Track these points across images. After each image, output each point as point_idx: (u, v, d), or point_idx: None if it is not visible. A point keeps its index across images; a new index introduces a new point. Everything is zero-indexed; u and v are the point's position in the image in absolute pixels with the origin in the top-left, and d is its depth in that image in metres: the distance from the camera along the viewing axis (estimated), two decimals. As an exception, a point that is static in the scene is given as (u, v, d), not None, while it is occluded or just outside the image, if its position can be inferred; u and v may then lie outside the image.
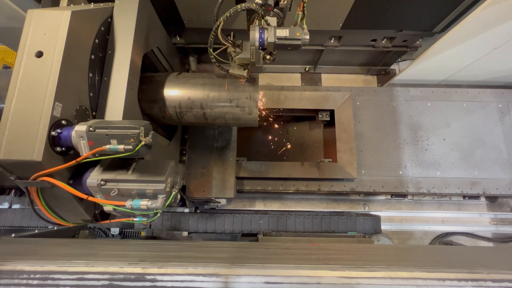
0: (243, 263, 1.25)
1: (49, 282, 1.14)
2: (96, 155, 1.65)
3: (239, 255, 1.82)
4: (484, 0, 2.45)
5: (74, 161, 1.65)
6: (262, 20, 1.94)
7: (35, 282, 1.14)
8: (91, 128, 1.60)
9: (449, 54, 3.25)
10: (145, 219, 1.79)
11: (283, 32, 1.93)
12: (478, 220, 3.76)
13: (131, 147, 1.58)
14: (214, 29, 1.98)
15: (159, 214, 1.78)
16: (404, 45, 3.73)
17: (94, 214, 2.02)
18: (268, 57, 2.18)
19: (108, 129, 1.61)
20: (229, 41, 2.14)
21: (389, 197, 3.79)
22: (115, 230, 3.70)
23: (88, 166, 1.80)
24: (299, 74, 4.49)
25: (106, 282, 1.14)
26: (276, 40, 1.93)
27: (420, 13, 3.09)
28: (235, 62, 2.24)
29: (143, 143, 1.61)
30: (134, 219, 1.79)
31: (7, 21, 2.72)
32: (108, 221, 2.09)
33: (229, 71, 2.32)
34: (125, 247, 2.01)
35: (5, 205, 3.75)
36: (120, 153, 1.59)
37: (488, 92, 3.82)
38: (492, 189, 3.55)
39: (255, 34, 1.92)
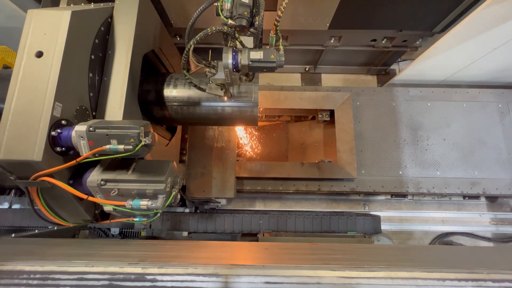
0: (243, 263, 1.25)
1: (49, 282, 1.14)
2: (96, 155, 1.65)
3: (239, 255, 1.82)
4: (484, 0, 2.45)
5: (74, 161, 1.65)
6: (237, 41, 1.89)
7: (35, 282, 1.14)
8: (91, 128, 1.60)
9: (449, 54, 3.25)
10: (145, 219, 1.79)
11: (257, 55, 1.88)
12: (478, 220, 3.76)
13: (131, 147, 1.58)
14: (185, 51, 1.92)
15: (159, 214, 1.77)
16: (404, 45, 3.73)
17: (94, 214, 2.02)
18: (244, 78, 2.14)
19: (108, 129, 1.60)
20: (203, 62, 2.08)
21: (389, 197, 3.79)
22: (115, 230, 3.70)
23: (88, 166, 1.80)
24: (299, 74, 4.50)
25: (106, 282, 1.14)
26: (250, 62, 1.89)
27: (420, 13, 3.09)
28: (211, 82, 2.18)
29: (143, 143, 1.60)
30: (134, 219, 1.79)
31: (7, 21, 2.72)
32: (108, 221, 2.08)
33: (206, 90, 2.26)
34: (125, 247, 2.01)
35: (5, 205, 3.75)
36: (120, 153, 1.59)
37: (488, 92, 3.82)
38: (492, 189, 3.55)
39: (228, 57, 1.88)
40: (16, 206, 3.77)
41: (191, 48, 1.91)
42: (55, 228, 2.85)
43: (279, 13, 1.73)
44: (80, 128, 1.61)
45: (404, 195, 3.76)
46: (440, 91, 3.84)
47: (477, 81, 3.96)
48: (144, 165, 1.80)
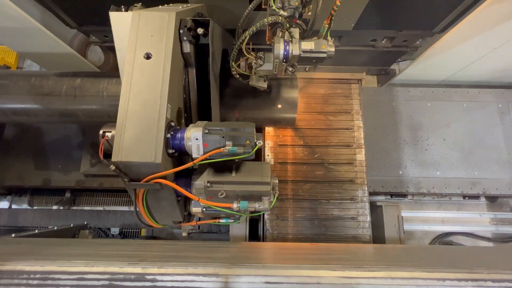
0: (243, 263, 1.25)
1: (49, 282, 1.14)
2: (208, 157, 1.61)
3: (239, 255, 1.83)
4: (484, 0, 2.45)
5: (191, 163, 1.60)
6: (286, 32, 1.85)
7: (35, 282, 1.14)
8: (206, 130, 1.56)
9: (449, 54, 3.25)
10: (231, 220, 1.80)
11: (308, 45, 1.86)
12: (478, 220, 3.76)
13: (250, 149, 1.55)
14: (238, 43, 1.90)
15: (246, 216, 1.76)
16: (404, 45, 3.72)
17: (183, 216, 1.97)
18: (290, 69, 2.11)
19: (223, 131, 1.57)
20: (252, 53, 2.08)
21: (389, 197, 3.79)
22: (115, 230, 3.70)
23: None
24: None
25: (106, 282, 1.14)
26: (301, 53, 1.86)
27: (420, 13, 3.09)
28: (255, 73, 2.17)
29: (259, 145, 1.58)
30: (221, 220, 1.81)
31: (7, 21, 2.72)
32: (195, 223, 2.04)
33: (249, 83, 2.25)
34: (125, 247, 2.01)
35: (5, 205, 3.75)
36: (238, 155, 1.55)
37: (488, 92, 3.82)
38: (492, 189, 3.55)
39: (280, 47, 1.83)
40: (16, 206, 3.77)
41: (246, 40, 1.88)
42: (55, 228, 2.85)
43: (338, 2, 1.69)
44: (196, 130, 1.56)
45: (404, 195, 3.75)
46: (440, 91, 3.84)
47: (477, 81, 3.95)
48: (244, 167, 1.78)
